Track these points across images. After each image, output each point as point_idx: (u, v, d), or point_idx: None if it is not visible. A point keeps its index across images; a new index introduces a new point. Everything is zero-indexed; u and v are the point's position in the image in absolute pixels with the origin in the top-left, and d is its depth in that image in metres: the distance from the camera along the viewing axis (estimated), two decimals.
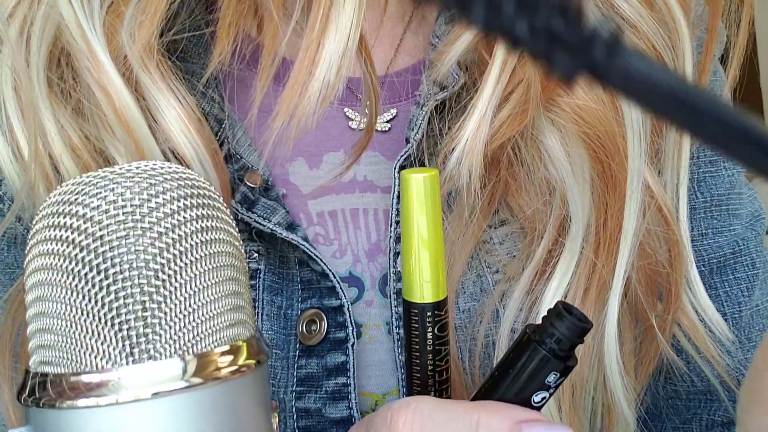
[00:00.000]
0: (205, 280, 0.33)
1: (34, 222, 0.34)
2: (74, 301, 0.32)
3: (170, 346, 0.32)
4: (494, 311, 0.51)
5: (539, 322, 0.39)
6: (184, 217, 0.33)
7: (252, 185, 0.49)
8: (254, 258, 0.50)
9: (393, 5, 0.52)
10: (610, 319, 0.50)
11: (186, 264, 0.32)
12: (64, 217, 0.32)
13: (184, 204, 0.33)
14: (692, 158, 0.54)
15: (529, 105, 0.46)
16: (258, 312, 0.50)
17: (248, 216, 0.48)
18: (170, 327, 0.32)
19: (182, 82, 0.46)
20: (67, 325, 0.32)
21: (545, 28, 0.14)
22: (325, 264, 0.49)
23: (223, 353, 0.33)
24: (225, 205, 0.35)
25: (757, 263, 0.57)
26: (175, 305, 0.32)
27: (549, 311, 0.38)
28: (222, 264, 0.34)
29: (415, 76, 0.52)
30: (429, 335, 0.40)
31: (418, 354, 0.41)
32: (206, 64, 0.47)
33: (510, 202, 0.51)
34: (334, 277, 0.49)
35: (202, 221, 0.33)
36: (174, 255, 0.32)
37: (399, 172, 0.48)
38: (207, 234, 0.33)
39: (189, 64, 0.49)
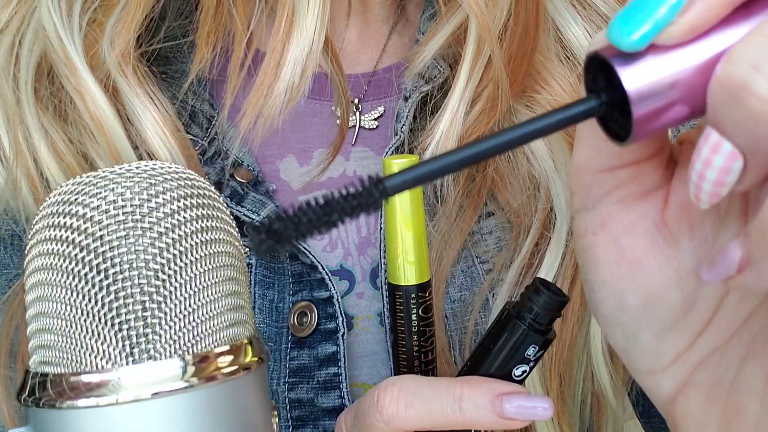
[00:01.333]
0: (204, 280, 0.33)
1: (34, 222, 0.34)
2: (74, 301, 0.32)
3: (170, 346, 0.32)
4: (484, 300, 0.52)
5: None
6: (184, 217, 0.33)
7: (241, 180, 0.50)
8: (246, 253, 0.51)
9: (377, 9, 0.54)
10: None
11: (186, 264, 0.32)
12: (64, 217, 0.32)
13: (184, 204, 0.33)
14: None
15: (498, 101, 0.48)
16: None
17: (237, 210, 0.49)
18: (170, 327, 0.32)
19: (161, 88, 0.48)
20: (67, 325, 0.32)
21: (348, 207, 0.25)
22: (313, 256, 0.49)
23: (222, 353, 0.33)
24: (225, 205, 0.35)
25: None
26: (175, 305, 0.32)
27: (527, 287, 0.39)
28: (222, 264, 0.34)
29: (401, 73, 0.53)
30: (413, 317, 0.42)
31: (403, 336, 0.42)
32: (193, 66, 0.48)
33: (497, 196, 0.52)
34: (323, 269, 0.50)
35: (202, 221, 0.33)
36: (174, 255, 0.32)
37: None
38: (207, 234, 0.33)
39: (180, 64, 0.50)
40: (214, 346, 0.33)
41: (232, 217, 0.36)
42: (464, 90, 0.48)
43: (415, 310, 0.42)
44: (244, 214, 0.49)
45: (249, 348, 0.34)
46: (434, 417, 0.38)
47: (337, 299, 0.50)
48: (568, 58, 0.51)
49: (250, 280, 0.51)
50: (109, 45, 0.45)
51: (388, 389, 0.39)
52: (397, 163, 0.40)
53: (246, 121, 0.45)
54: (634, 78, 0.25)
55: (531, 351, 0.39)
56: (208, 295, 0.33)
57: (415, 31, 0.53)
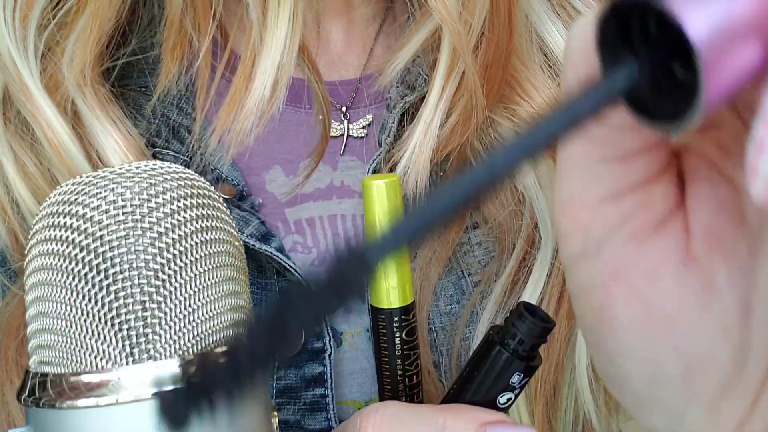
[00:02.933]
0: (204, 280, 0.33)
1: (33, 222, 0.34)
2: (74, 301, 0.32)
3: (170, 346, 0.32)
4: (472, 315, 0.50)
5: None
6: (183, 217, 0.33)
7: (225, 196, 0.48)
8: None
9: (363, 8, 0.52)
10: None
11: (186, 264, 0.32)
12: (64, 217, 0.32)
13: (183, 204, 0.33)
14: None
15: (473, 112, 0.46)
16: None
17: None
18: (170, 327, 0.32)
19: (124, 111, 0.46)
20: (67, 325, 0.32)
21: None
22: (299, 275, 0.48)
23: (223, 353, 0.33)
24: (225, 204, 0.35)
25: None
26: (175, 305, 0.32)
27: (511, 312, 0.38)
28: (221, 264, 0.34)
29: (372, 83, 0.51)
30: (397, 340, 0.41)
31: (387, 359, 0.41)
32: (175, 77, 0.47)
33: (482, 209, 0.50)
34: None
35: (202, 221, 0.33)
36: (174, 255, 0.32)
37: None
38: (206, 234, 0.33)
39: (157, 78, 0.49)
40: (215, 346, 0.33)
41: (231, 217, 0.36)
42: (438, 100, 0.46)
43: (398, 334, 0.41)
44: None
45: None
46: None
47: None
48: (551, 67, 0.49)
49: None
50: (69, 65, 0.44)
51: (371, 416, 0.38)
52: (376, 184, 0.39)
53: (216, 137, 0.44)
54: (693, 14, 0.18)
55: (516, 378, 0.38)
56: (208, 295, 0.33)
57: (402, 33, 0.51)
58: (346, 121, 0.51)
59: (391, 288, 0.40)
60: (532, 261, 0.49)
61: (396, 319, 0.41)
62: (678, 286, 0.24)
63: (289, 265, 0.47)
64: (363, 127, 0.51)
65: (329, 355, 0.48)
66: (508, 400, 0.39)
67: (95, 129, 0.45)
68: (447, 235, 0.49)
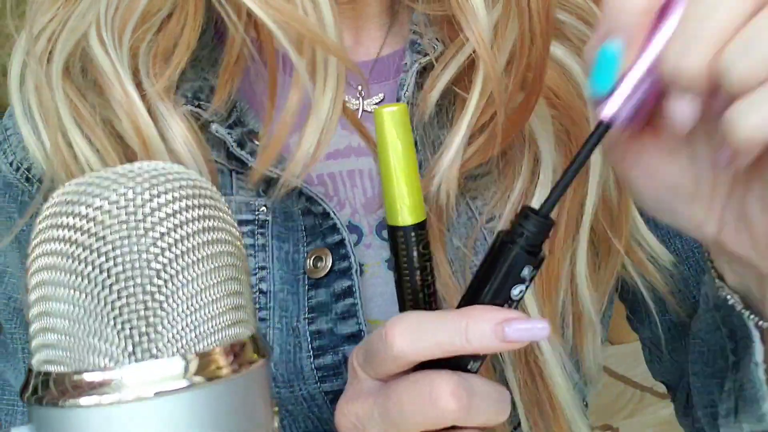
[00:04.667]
0: (206, 280, 0.33)
1: (37, 221, 0.34)
2: (77, 300, 0.32)
3: (172, 345, 0.32)
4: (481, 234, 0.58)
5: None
6: (186, 218, 0.33)
7: (257, 143, 0.56)
8: (263, 210, 0.57)
9: (375, 18, 0.60)
10: (581, 245, 0.57)
11: (187, 264, 0.33)
12: (68, 217, 0.32)
13: (186, 204, 0.33)
14: None
15: (495, 140, 0.53)
16: (269, 255, 0.57)
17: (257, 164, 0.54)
18: (172, 326, 0.32)
19: (189, 108, 0.54)
20: (70, 324, 0.32)
21: None
22: (326, 203, 0.55)
23: (224, 352, 0.33)
24: (226, 205, 0.36)
25: None
26: (177, 305, 0.32)
27: (516, 214, 0.42)
28: (223, 264, 0.34)
29: (399, 60, 0.59)
30: (415, 254, 0.44)
31: (407, 272, 0.45)
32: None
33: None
34: (335, 214, 0.55)
35: (204, 221, 0.34)
36: (176, 255, 0.32)
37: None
38: (208, 234, 0.34)
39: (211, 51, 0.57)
40: (216, 345, 0.33)
41: (233, 216, 0.36)
42: (467, 130, 0.53)
43: (415, 248, 0.44)
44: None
45: (250, 347, 0.35)
46: (442, 348, 0.41)
47: (349, 240, 0.55)
48: None
49: (268, 234, 0.57)
50: (151, 75, 0.51)
51: (396, 325, 0.41)
52: (388, 111, 0.42)
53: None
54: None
55: (526, 271, 0.41)
56: (209, 295, 0.33)
57: (409, 23, 0.59)
58: (361, 99, 0.60)
59: (405, 206, 0.43)
60: (533, 192, 0.57)
61: (413, 234, 0.44)
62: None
63: (314, 193, 0.56)
64: (376, 103, 0.60)
65: (356, 271, 0.56)
66: (520, 291, 0.42)
67: (171, 125, 0.53)
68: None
